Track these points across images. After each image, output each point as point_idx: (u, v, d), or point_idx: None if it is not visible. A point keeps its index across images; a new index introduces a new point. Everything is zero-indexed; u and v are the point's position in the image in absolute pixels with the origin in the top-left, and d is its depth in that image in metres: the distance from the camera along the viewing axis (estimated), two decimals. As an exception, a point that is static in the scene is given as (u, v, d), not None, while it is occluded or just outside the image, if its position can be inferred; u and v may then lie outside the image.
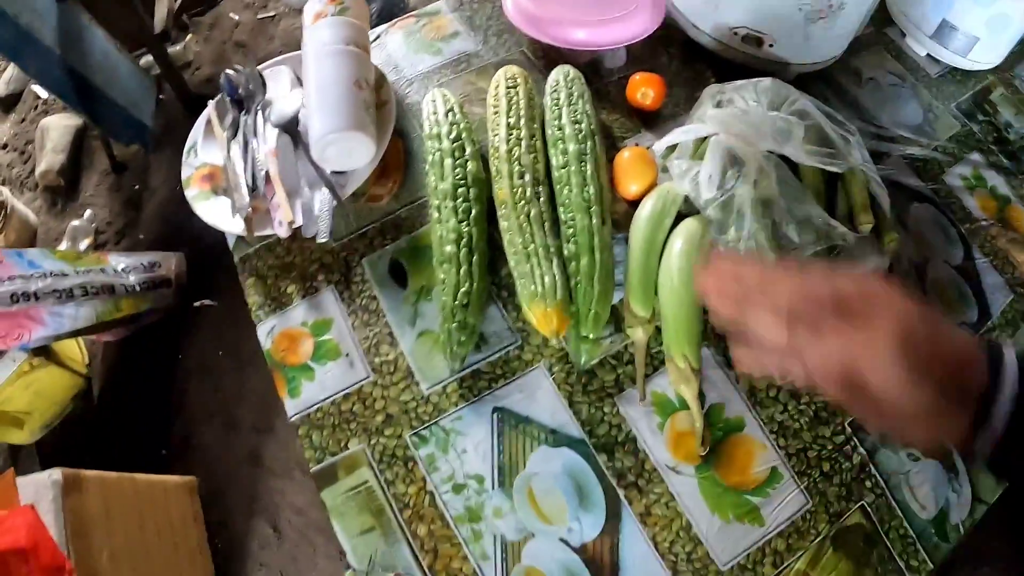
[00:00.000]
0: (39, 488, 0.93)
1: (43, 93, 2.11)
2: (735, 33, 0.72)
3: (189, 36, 2.02)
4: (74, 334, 1.25)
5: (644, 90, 0.69)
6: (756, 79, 0.64)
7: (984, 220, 0.73)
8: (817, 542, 0.52)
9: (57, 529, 0.91)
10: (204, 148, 0.63)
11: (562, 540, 0.50)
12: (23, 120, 2.06)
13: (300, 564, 1.22)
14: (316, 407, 0.54)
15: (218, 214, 0.59)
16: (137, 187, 1.77)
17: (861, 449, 0.56)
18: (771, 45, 0.71)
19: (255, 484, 1.30)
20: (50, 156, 1.81)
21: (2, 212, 1.59)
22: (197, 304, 1.50)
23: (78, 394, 1.39)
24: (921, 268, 0.68)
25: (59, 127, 1.88)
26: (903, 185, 0.74)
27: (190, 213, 0.60)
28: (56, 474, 0.94)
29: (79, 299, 1.21)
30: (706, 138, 0.61)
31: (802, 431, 0.56)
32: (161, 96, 1.78)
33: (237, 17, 2.09)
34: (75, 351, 1.40)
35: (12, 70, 2.18)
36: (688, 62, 0.78)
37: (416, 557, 0.49)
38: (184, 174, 0.63)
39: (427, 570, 0.48)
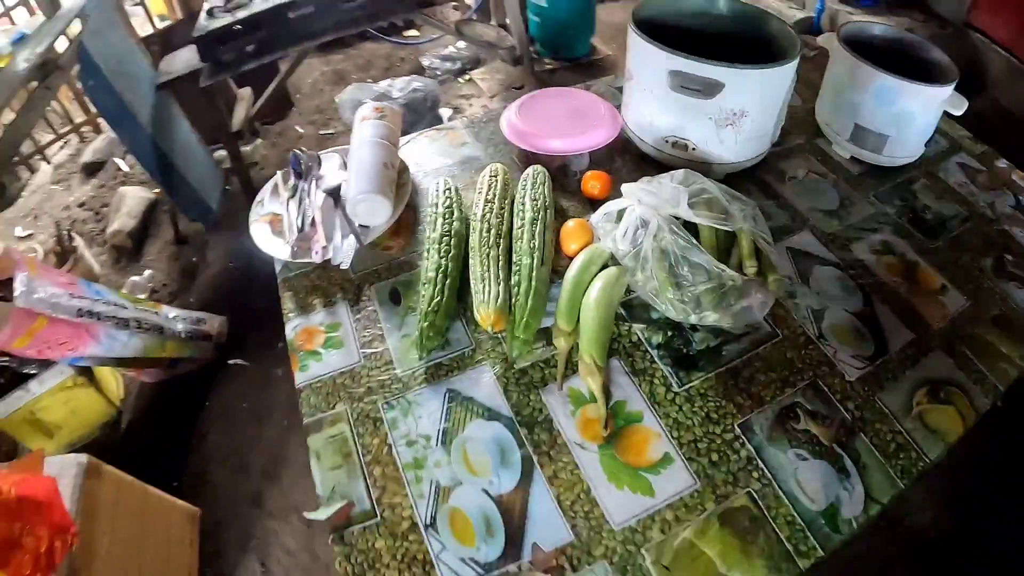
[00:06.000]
0: (64, 466, 1.00)
1: (124, 166, 2.34)
2: (666, 140, 0.90)
3: (259, 140, 2.29)
4: (121, 361, 1.37)
5: (593, 183, 0.88)
6: (674, 170, 0.80)
7: (889, 280, 0.82)
8: (704, 517, 0.58)
9: (71, 503, 0.96)
10: (269, 202, 0.86)
11: (484, 490, 0.60)
12: (102, 186, 2.29)
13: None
14: (317, 379, 0.69)
15: (272, 246, 0.80)
16: (195, 259, 1.92)
17: (749, 446, 0.63)
18: (694, 148, 0.88)
19: (253, 523, 1.35)
20: (123, 219, 2.00)
21: (72, 256, 1.81)
22: (231, 362, 1.61)
23: (107, 423, 1.46)
24: (819, 314, 0.76)
25: (135, 196, 2.09)
26: (809, 253, 0.84)
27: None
28: (82, 458, 1.02)
29: (132, 330, 1.34)
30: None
31: (694, 427, 0.64)
32: (228, 187, 1.96)
33: (302, 131, 2.38)
34: (113, 384, 1.50)
35: (99, 142, 2.46)
36: (638, 166, 0.96)
37: (368, 491, 0.60)
38: (252, 217, 0.85)
39: (375, 501, 0.59)
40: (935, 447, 0.65)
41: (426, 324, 0.68)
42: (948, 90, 0.89)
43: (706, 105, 0.82)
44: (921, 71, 0.92)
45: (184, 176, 1.66)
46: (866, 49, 0.92)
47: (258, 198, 0.88)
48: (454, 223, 0.79)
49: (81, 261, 1.85)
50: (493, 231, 0.76)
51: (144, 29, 2.25)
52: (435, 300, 0.70)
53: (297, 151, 0.88)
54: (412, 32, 2.80)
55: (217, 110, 1.73)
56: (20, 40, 1.56)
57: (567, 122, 0.94)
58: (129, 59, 1.56)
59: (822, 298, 0.79)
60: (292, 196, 0.85)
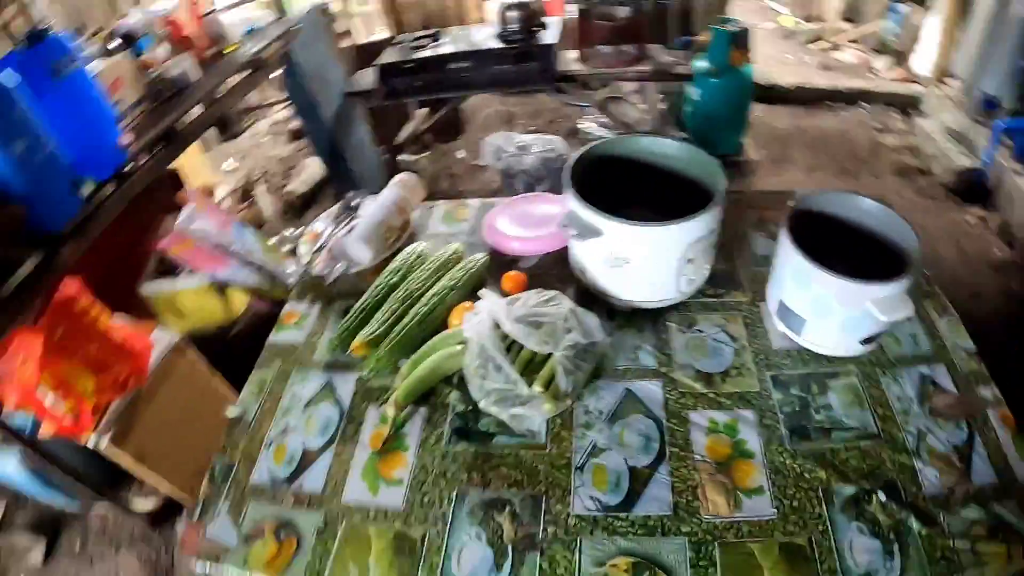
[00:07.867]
0: (162, 337, 1.55)
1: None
2: (576, 267, 1.06)
3: (427, 153, 2.69)
4: (242, 287, 1.79)
5: (506, 281, 1.10)
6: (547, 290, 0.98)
7: (699, 456, 0.85)
8: (385, 527, 0.84)
9: (154, 360, 1.46)
10: (321, 221, 1.32)
11: (302, 441, 0.96)
12: (299, 150, 2.88)
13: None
14: (282, 343, 1.13)
15: (304, 256, 1.26)
16: (341, 228, 2.40)
17: (459, 511, 0.85)
18: (593, 279, 1.03)
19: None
20: (299, 183, 2.50)
21: (250, 199, 2.35)
22: None
23: (223, 325, 1.90)
24: (596, 452, 0.87)
25: (315, 168, 2.55)
26: (640, 401, 0.93)
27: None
28: (176, 337, 1.54)
29: (252, 269, 1.77)
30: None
31: (434, 468, 0.88)
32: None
33: (460, 156, 2.77)
34: (237, 301, 1.94)
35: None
36: (568, 278, 1.10)
37: (258, 409, 1.02)
38: (306, 231, 1.32)
39: (256, 414, 1.01)
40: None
41: (335, 338, 1.06)
42: (874, 289, 0.82)
43: (596, 245, 0.96)
44: (887, 259, 0.88)
45: (349, 167, 2.11)
46: (831, 222, 0.93)
47: (319, 216, 1.34)
48: (394, 279, 1.12)
49: (255, 204, 2.41)
50: (404, 292, 1.08)
51: (362, 38, 2.83)
52: (347, 324, 1.06)
53: (348, 195, 1.31)
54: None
55: (391, 123, 2.19)
56: (250, 32, 1.99)
57: (529, 227, 1.18)
58: (327, 67, 2.04)
59: (612, 442, 0.88)
60: (332, 222, 1.29)
